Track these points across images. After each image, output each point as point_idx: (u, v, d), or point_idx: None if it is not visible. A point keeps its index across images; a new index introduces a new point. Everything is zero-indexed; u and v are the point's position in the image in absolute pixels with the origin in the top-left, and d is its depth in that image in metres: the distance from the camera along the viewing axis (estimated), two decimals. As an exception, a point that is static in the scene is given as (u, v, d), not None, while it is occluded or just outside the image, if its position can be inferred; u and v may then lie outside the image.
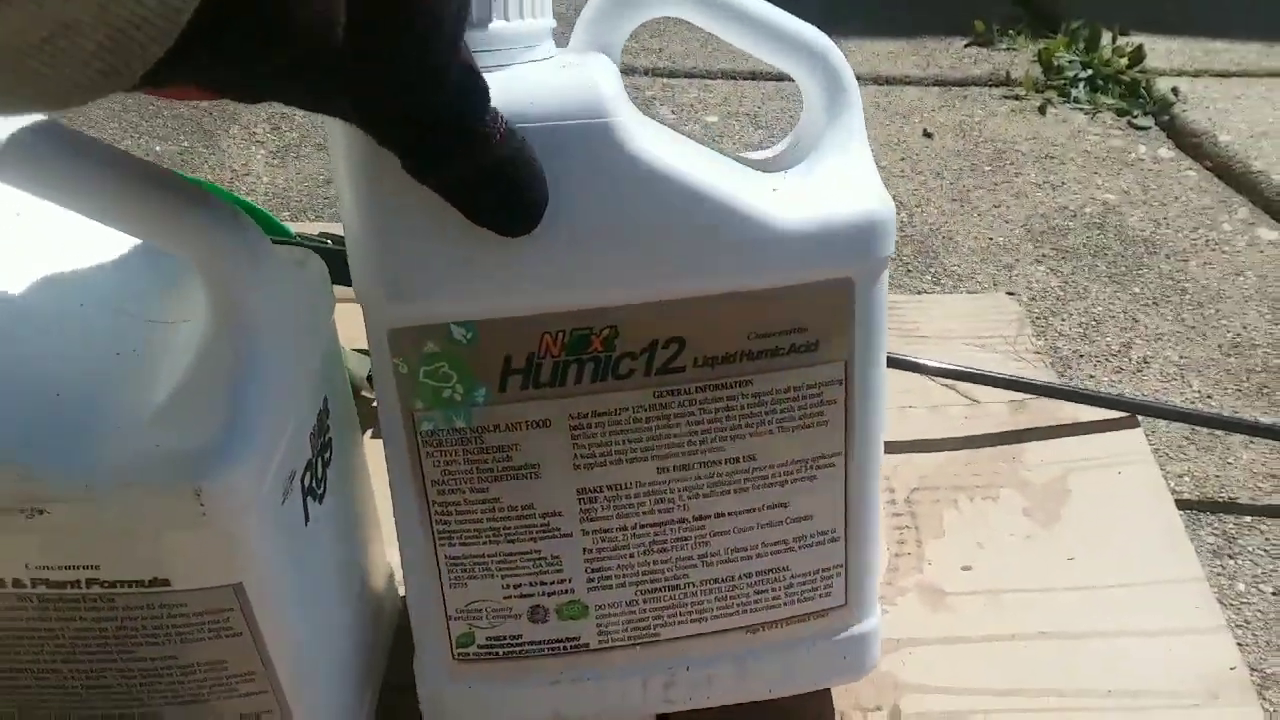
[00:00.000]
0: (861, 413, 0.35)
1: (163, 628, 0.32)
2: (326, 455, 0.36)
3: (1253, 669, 0.46)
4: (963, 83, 1.05)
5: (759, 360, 0.33)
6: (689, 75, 1.00)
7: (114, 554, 0.30)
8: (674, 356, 0.33)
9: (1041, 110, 1.00)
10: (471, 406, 0.32)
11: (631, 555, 0.36)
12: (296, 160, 0.83)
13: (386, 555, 0.43)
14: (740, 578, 0.37)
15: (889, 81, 0.98)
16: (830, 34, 0.36)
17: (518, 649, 0.37)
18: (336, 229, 0.41)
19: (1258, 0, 1.26)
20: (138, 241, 0.33)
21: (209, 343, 0.29)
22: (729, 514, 0.36)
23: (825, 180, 0.34)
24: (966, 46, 1.12)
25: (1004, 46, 1.12)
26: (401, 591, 0.45)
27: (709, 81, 0.97)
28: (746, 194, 0.32)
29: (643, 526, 0.35)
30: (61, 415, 0.28)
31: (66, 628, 0.32)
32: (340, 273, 0.34)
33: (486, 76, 0.27)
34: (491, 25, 0.30)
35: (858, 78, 0.35)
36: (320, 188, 0.80)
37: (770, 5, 0.35)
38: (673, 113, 0.94)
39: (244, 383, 0.29)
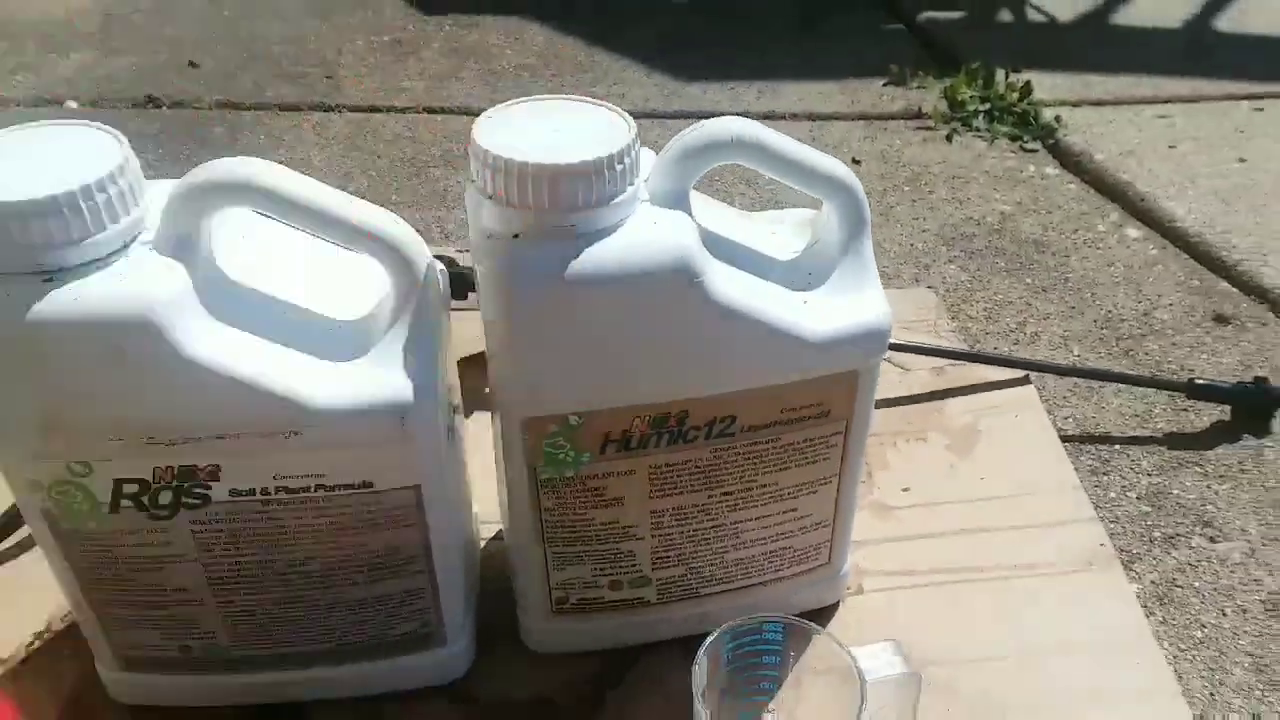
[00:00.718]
0: (853, 449, 0.48)
1: (362, 520, 0.44)
2: (455, 406, 0.49)
3: (1121, 550, 0.61)
4: (882, 117, 1.15)
5: (788, 425, 0.46)
6: (650, 116, 1.15)
7: (337, 464, 0.42)
8: (728, 426, 0.45)
9: (949, 139, 1.11)
10: (579, 465, 0.45)
11: (684, 548, 0.50)
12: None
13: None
14: (759, 555, 0.51)
15: (821, 118, 1.09)
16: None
17: (599, 605, 0.51)
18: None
19: (1127, 39, 1.44)
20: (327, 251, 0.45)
21: (397, 314, 0.43)
22: (755, 519, 0.49)
23: (842, 298, 0.45)
24: (884, 86, 1.23)
25: (915, 85, 1.23)
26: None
27: (667, 121, 1.12)
28: (787, 314, 0.43)
29: (695, 530, 0.49)
30: (309, 362, 0.41)
31: (292, 524, 0.43)
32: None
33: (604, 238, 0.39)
34: (613, 201, 0.40)
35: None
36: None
37: (807, 149, 0.43)
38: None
39: (427, 343, 0.43)
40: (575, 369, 0.43)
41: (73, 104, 1.14)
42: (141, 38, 1.31)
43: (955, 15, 1.47)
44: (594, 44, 1.33)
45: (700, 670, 0.42)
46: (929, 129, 1.15)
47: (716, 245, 0.44)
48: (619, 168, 0.40)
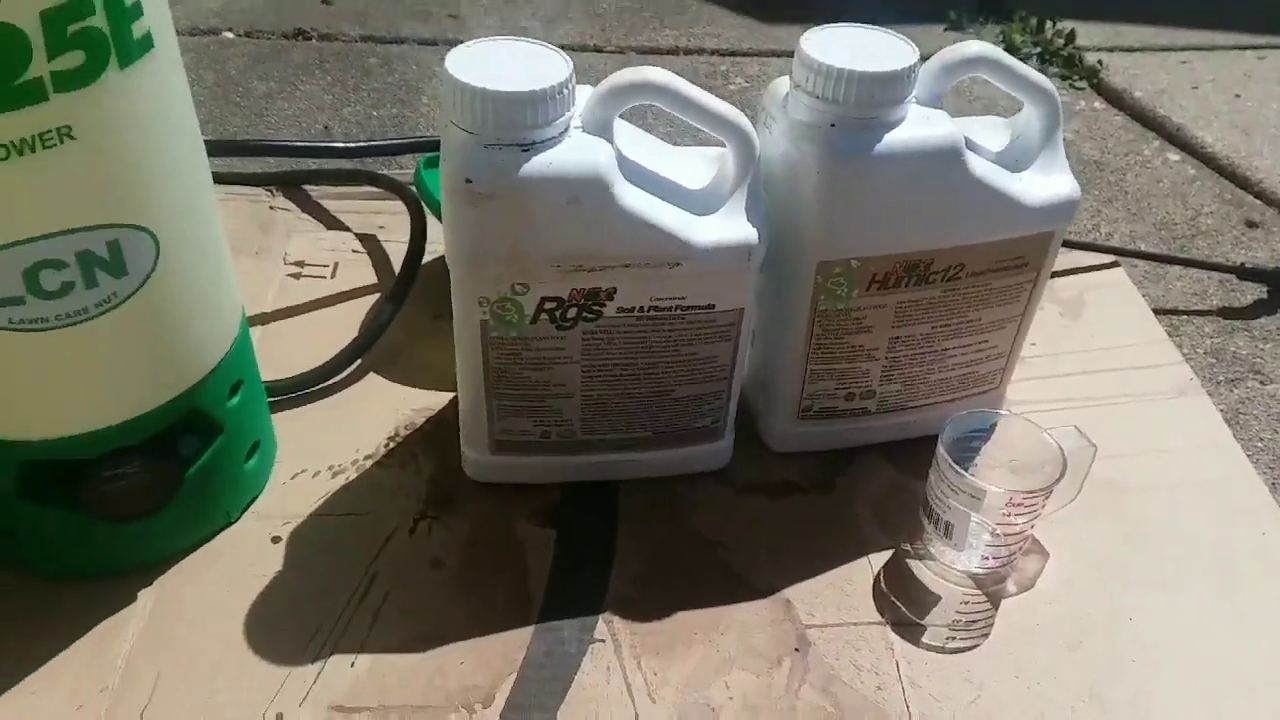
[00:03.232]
0: (1036, 295, 0.64)
1: (701, 333, 0.59)
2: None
3: (1202, 384, 0.79)
4: (948, 58, 1.34)
5: (996, 273, 0.62)
6: (745, 54, 1.31)
7: (694, 288, 0.57)
8: (958, 272, 0.61)
9: (1009, 77, 1.30)
10: (849, 299, 0.61)
11: (905, 368, 0.66)
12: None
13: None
14: (954, 378, 0.67)
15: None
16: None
17: (833, 413, 0.67)
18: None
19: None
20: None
21: (739, 181, 0.57)
22: (959, 346, 0.65)
23: (1044, 177, 0.59)
24: (944, 31, 1.36)
25: (972, 31, 1.38)
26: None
27: (764, 58, 1.28)
28: (1013, 187, 0.58)
29: (916, 354, 0.65)
30: (684, 214, 0.57)
31: (653, 335, 0.58)
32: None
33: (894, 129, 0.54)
34: (905, 101, 0.55)
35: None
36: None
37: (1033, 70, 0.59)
38: (746, 81, 1.24)
39: (759, 202, 0.57)
40: (862, 224, 0.58)
41: (229, 34, 1.27)
42: (268, -25, 1.43)
43: (993, -31, 1.63)
44: (681, -12, 1.47)
45: (946, 430, 0.60)
46: (990, 69, 1.31)
47: (972, 158, 0.59)
48: (911, 77, 0.56)
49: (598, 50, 1.29)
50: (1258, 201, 1.05)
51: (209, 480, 0.60)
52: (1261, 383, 0.81)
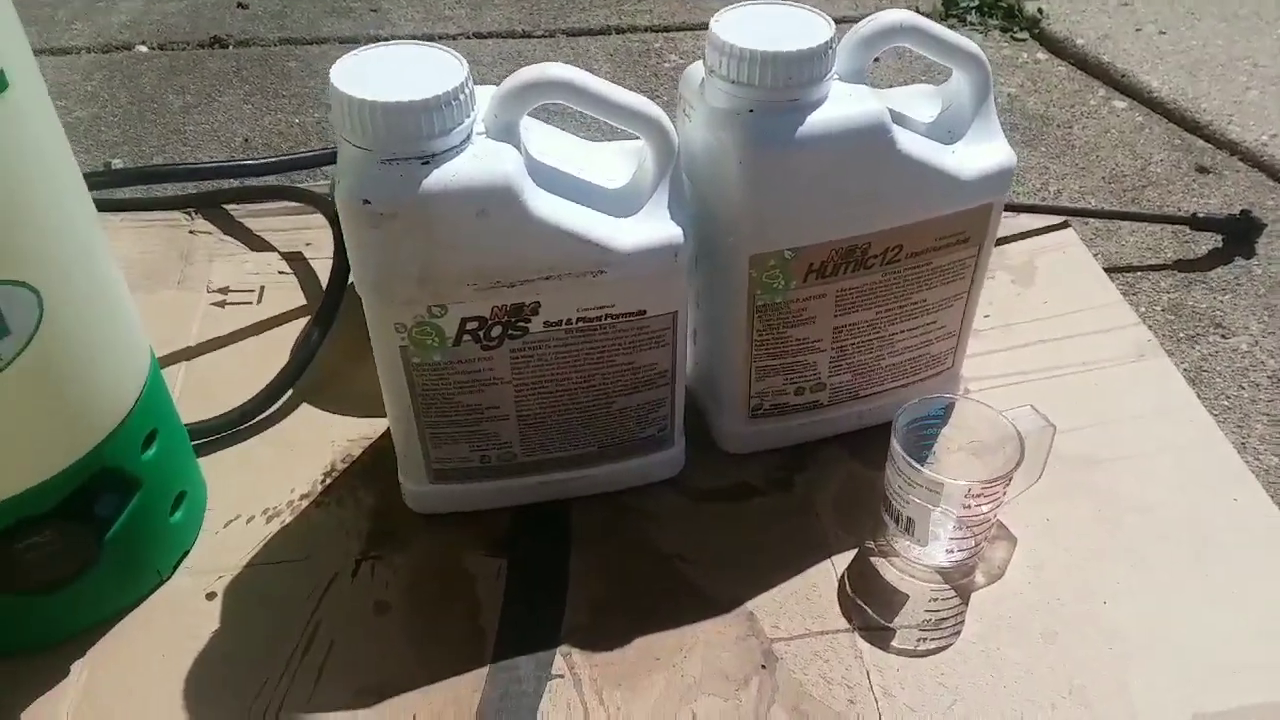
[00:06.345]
0: (981, 269, 0.62)
1: (636, 341, 0.57)
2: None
3: (1162, 343, 0.77)
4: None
5: (937, 250, 0.59)
6: (679, 29, 1.27)
7: (622, 296, 0.55)
8: (897, 254, 0.58)
9: (949, 33, 1.27)
10: (786, 291, 0.58)
11: (854, 357, 0.63)
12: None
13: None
14: (905, 362, 0.65)
15: (837, 20, 1.22)
16: None
17: (784, 409, 0.65)
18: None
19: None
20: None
21: (659, 177, 0.53)
22: (906, 330, 0.63)
23: (978, 147, 0.57)
24: None
25: None
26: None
27: (698, 33, 1.24)
28: (946, 161, 0.56)
29: (863, 342, 0.62)
30: (604, 218, 0.54)
31: (583, 346, 0.55)
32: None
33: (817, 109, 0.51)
34: (824, 79, 0.52)
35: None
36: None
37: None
38: (680, 58, 1.20)
39: (682, 198, 0.54)
40: (792, 212, 0.56)
41: (143, 48, 1.21)
42: (178, -18, 1.37)
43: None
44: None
45: (899, 422, 0.57)
46: (929, 26, 1.28)
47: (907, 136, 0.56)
48: (829, 54, 0.53)
49: (526, 36, 1.24)
50: (1207, 145, 1.03)
51: (133, 539, 0.57)
52: (1223, 336, 0.79)
